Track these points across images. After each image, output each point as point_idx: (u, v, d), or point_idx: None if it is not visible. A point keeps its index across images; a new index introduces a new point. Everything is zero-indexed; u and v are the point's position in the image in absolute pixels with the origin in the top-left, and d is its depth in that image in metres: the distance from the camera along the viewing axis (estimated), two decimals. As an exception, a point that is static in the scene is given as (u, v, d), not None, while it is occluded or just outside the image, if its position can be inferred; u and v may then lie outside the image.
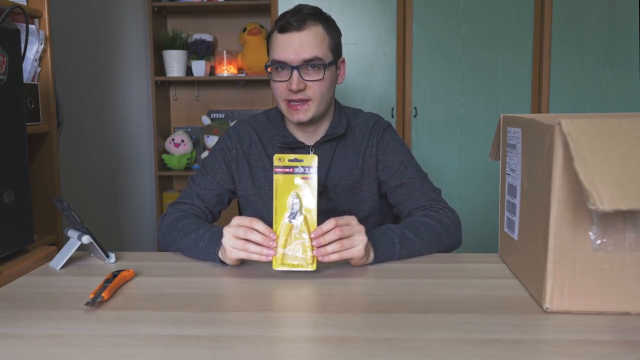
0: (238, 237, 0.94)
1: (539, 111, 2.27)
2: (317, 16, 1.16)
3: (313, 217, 0.93)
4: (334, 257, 0.93)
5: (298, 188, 0.94)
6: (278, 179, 0.94)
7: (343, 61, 1.25)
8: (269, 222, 1.23)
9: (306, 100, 1.15)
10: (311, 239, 0.92)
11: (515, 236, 0.91)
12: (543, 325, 0.73)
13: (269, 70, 1.18)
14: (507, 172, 0.95)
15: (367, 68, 2.26)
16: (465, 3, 2.23)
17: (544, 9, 2.21)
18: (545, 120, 0.75)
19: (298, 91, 1.14)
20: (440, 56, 2.25)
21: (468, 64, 2.25)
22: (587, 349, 0.65)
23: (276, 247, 0.92)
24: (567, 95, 2.25)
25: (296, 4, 1.20)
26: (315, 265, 0.93)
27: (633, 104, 2.23)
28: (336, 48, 1.20)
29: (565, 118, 0.70)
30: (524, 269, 0.88)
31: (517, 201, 0.89)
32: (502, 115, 0.98)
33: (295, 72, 1.13)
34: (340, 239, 0.92)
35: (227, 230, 0.95)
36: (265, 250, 0.92)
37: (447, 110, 2.28)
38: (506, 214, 0.95)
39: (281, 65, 1.14)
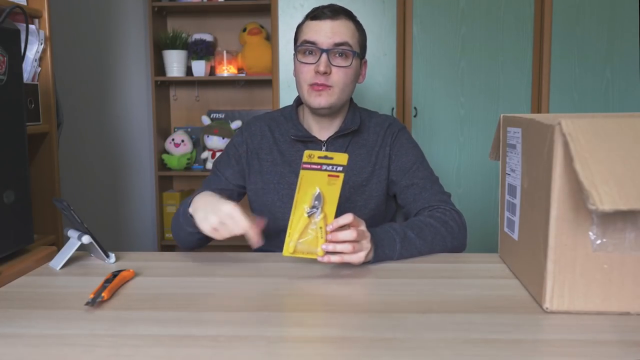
0: (214, 226, 0.95)
1: (539, 111, 2.27)
2: (349, 14, 1.21)
3: (332, 215, 0.93)
4: (334, 259, 0.93)
5: (323, 185, 0.92)
6: (304, 174, 0.92)
7: (366, 62, 1.28)
8: (276, 215, 1.23)
9: (329, 86, 1.17)
10: (326, 232, 0.92)
11: (515, 236, 0.91)
12: (543, 325, 0.73)
13: (296, 52, 1.20)
14: (507, 172, 0.95)
15: (367, 68, 2.25)
16: (465, 3, 2.23)
17: (543, 9, 2.21)
18: (545, 120, 0.75)
19: (324, 74, 1.16)
20: (440, 56, 2.25)
21: (468, 64, 2.25)
22: (587, 349, 0.65)
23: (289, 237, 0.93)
24: (567, 95, 2.25)
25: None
26: (323, 254, 0.93)
27: (633, 104, 2.23)
28: (363, 46, 1.24)
29: (565, 118, 0.70)
30: (524, 269, 0.88)
31: (517, 201, 0.89)
32: (502, 115, 0.98)
33: (324, 55, 1.15)
34: (353, 241, 0.93)
35: (208, 219, 0.96)
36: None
37: (447, 110, 2.28)
38: (506, 214, 0.95)
39: (310, 47, 1.17)
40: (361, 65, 1.25)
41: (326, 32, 1.16)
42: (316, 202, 0.92)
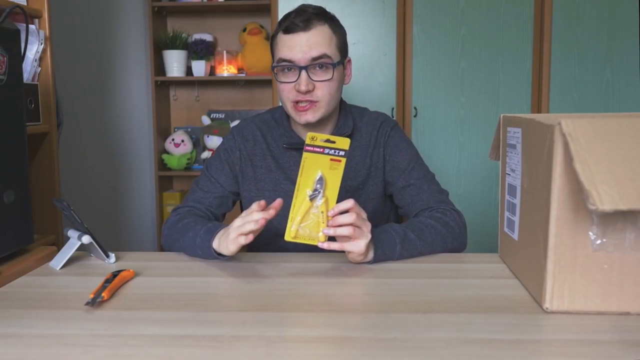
0: (243, 232, 0.94)
1: (539, 111, 2.27)
2: (323, 16, 1.14)
3: (334, 200, 0.93)
4: (334, 246, 0.93)
5: (325, 169, 0.92)
6: (307, 157, 0.92)
7: (349, 61, 1.23)
8: (272, 222, 1.23)
9: (314, 102, 1.13)
10: (327, 217, 0.92)
11: (515, 236, 0.91)
12: (543, 325, 0.73)
13: (275, 71, 1.15)
14: (507, 172, 0.95)
15: (367, 68, 2.25)
16: (465, 3, 2.23)
17: (543, 9, 2.21)
18: (545, 120, 0.75)
19: (307, 92, 1.11)
20: (440, 56, 2.25)
21: (468, 64, 2.25)
22: (587, 349, 0.65)
23: (291, 222, 0.93)
24: (567, 95, 2.25)
25: (297, 3, 1.20)
26: (324, 239, 0.94)
27: (633, 104, 2.23)
28: (343, 47, 1.18)
29: (565, 118, 0.70)
30: (524, 269, 0.88)
31: (517, 201, 0.89)
32: (502, 115, 0.98)
33: (303, 73, 1.11)
34: (353, 225, 0.92)
35: (234, 229, 0.96)
36: (256, 216, 0.93)
37: (447, 110, 2.28)
38: (506, 214, 0.95)
39: (288, 65, 1.12)
40: (345, 66, 1.20)
41: (302, 47, 1.10)
42: (318, 186, 0.92)
